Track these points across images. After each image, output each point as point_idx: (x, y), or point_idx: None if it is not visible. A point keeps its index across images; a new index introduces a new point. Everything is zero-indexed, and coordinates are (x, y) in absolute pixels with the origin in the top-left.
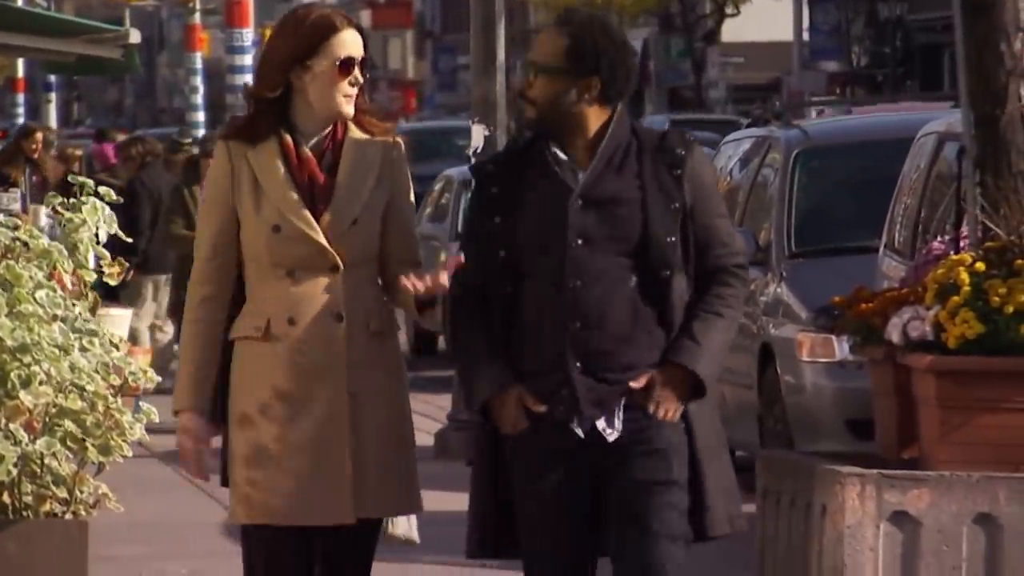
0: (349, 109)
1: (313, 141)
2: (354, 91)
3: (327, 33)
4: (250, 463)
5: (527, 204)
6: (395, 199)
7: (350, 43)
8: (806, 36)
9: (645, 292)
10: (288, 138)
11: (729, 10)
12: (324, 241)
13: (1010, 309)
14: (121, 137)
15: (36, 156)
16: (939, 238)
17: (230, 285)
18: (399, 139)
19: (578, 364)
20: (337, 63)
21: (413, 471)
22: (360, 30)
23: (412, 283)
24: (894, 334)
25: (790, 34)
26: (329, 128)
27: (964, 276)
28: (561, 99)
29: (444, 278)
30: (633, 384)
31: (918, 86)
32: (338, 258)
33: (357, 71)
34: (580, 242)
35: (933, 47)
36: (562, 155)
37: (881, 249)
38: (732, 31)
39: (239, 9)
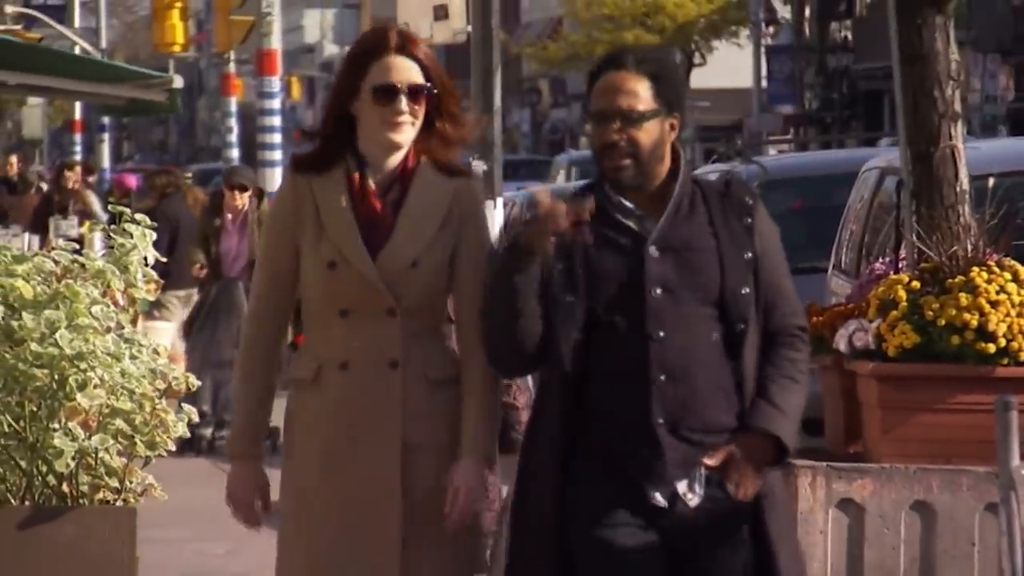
0: (397, 138)
1: (381, 173)
2: (401, 119)
3: (367, 59)
4: (294, 520)
5: (594, 255)
6: (463, 247)
7: (393, 69)
8: (764, 83)
9: (725, 346)
10: (354, 168)
11: (696, 60)
12: (379, 281)
13: (942, 322)
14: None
15: (76, 187)
16: (880, 260)
17: (283, 324)
18: (474, 184)
19: (661, 421)
20: (371, 90)
21: (476, 532)
22: (415, 56)
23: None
24: (841, 344)
25: (750, 81)
26: (400, 160)
27: (902, 293)
28: (660, 143)
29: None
30: (708, 461)
31: (862, 127)
32: (392, 300)
33: (403, 101)
34: (659, 291)
35: (875, 93)
36: (627, 203)
37: (830, 269)
38: (699, 79)
39: (268, 59)
